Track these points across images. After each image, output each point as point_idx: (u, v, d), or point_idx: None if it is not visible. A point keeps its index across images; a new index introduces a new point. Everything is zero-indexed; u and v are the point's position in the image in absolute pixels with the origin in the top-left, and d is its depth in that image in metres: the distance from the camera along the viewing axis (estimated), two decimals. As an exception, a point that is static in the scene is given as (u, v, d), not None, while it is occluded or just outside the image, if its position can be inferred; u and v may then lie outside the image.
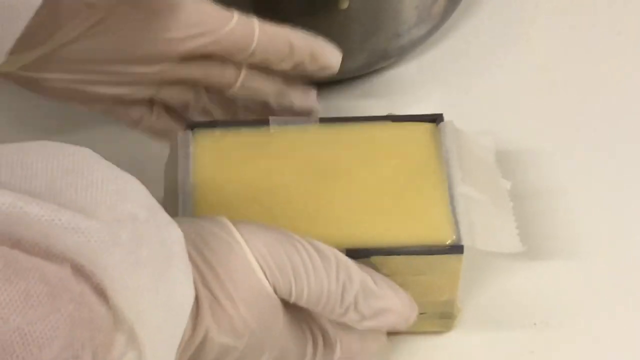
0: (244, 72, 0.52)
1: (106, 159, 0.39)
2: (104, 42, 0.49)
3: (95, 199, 0.32)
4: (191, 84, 0.53)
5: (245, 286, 0.39)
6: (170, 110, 0.57)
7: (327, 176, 0.51)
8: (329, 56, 0.53)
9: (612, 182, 0.60)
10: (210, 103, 0.56)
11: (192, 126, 0.53)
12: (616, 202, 0.58)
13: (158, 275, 0.32)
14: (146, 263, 0.32)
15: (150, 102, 0.55)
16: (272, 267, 0.39)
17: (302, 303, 0.41)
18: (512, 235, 0.51)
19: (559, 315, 0.53)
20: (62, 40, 0.46)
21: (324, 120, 0.54)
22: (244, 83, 0.53)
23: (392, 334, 0.52)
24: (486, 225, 0.50)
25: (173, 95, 0.53)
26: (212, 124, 0.54)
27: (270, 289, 0.40)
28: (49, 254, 0.29)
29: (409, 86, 0.64)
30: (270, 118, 0.54)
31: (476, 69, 0.64)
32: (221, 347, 0.38)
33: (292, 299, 0.40)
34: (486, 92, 0.63)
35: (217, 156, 0.53)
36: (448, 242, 0.47)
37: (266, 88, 0.54)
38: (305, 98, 0.55)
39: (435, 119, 0.52)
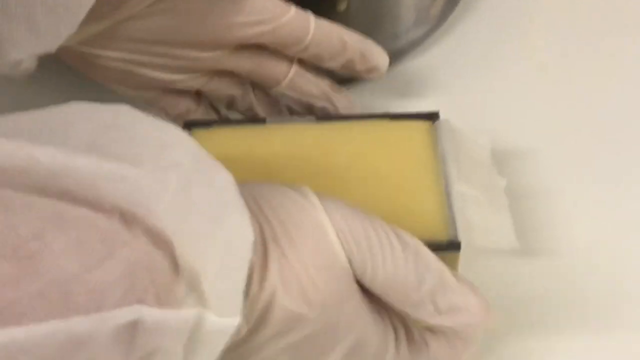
0: (294, 69, 0.52)
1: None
2: (165, 21, 0.48)
3: (139, 150, 0.32)
4: (241, 77, 0.53)
5: (319, 251, 0.37)
6: (214, 106, 0.57)
7: (324, 174, 0.51)
8: (377, 57, 0.53)
9: (609, 181, 0.59)
10: (256, 100, 0.56)
11: (190, 125, 0.53)
12: (613, 200, 0.58)
13: (213, 219, 0.31)
14: (199, 207, 0.31)
15: (198, 96, 0.54)
16: (348, 238, 0.37)
17: (377, 285, 0.38)
18: (508, 232, 0.50)
19: (556, 313, 0.52)
20: (125, 15, 0.45)
21: (320, 119, 0.54)
22: (293, 80, 0.53)
23: None
24: (482, 223, 0.49)
25: (221, 88, 0.53)
26: (208, 123, 0.54)
27: (345, 260, 0.38)
28: (97, 204, 0.28)
29: (406, 87, 0.64)
30: (268, 118, 0.54)
31: (473, 69, 0.64)
32: (289, 313, 0.35)
33: (367, 279, 0.38)
34: (483, 92, 0.62)
35: (214, 154, 0.51)
36: (445, 239, 0.46)
37: (313, 89, 0.54)
38: (348, 103, 0.55)
39: (431, 116, 0.52)
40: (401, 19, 0.61)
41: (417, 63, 0.65)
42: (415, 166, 0.51)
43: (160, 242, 0.29)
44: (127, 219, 0.29)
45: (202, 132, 0.53)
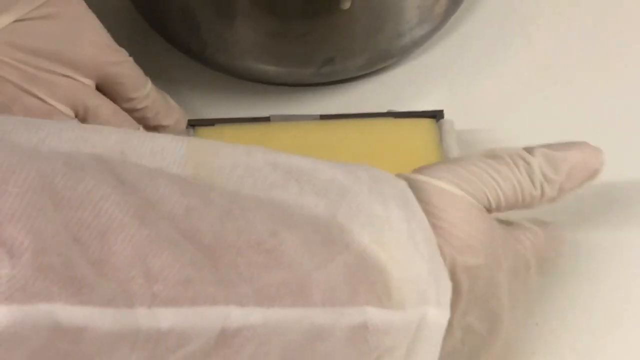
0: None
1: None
2: (50, 28, 0.47)
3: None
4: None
5: (450, 205, 0.39)
6: None
7: None
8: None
9: (602, 176, 0.59)
10: None
11: (194, 123, 0.55)
12: (604, 195, 0.59)
13: (405, 218, 0.33)
14: (390, 199, 0.33)
15: None
16: (460, 184, 0.39)
17: (503, 207, 0.41)
18: None
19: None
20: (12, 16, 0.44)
21: (324, 117, 0.55)
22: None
23: None
24: None
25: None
26: (211, 121, 0.56)
27: (473, 201, 0.40)
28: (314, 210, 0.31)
29: (410, 85, 0.64)
30: (271, 115, 0.56)
31: (477, 68, 0.65)
32: (469, 271, 0.37)
33: (493, 207, 0.40)
34: (486, 91, 0.63)
35: None
36: None
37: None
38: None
39: (435, 115, 0.54)
40: (405, 17, 0.60)
41: (421, 61, 0.65)
42: (419, 162, 0.50)
43: (371, 247, 0.31)
44: (341, 224, 0.31)
45: (206, 130, 0.55)
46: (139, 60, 0.61)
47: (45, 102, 0.47)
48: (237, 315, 0.27)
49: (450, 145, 0.53)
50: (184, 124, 0.55)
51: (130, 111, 0.52)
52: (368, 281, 0.30)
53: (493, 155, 0.43)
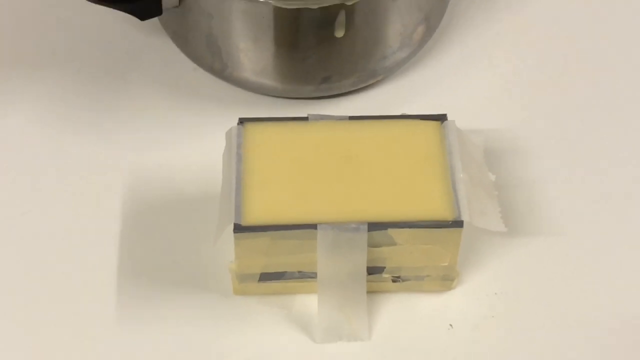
0: None
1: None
2: None
3: None
4: None
5: None
6: None
7: (353, 162, 0.55)
8: None
9: (582, 177, 0.64)
10: None
11: (242, 121, 0.57)
12: (583, 192, 0.62)
13: None
14: None
15: None
16: None
17: None
18: (497, 218, 0.55)
19: (524, 285, 0.58)
20: None
21: (352, 118, 0.57)
22: None
23: (401, 289, 0.57)
24: (479, 207, 0.54)
25: None
26: (259, 119, 0.57)
27: None
28: None
29: (392, 100, 0.68)
30: (309, 115, 0.57)
31: (448, 84, 0.69)
32: None
33: None
34: (456, 102, 0.67)
35: (263, 145, 0.57)
36: (451, 218, 0.51)
37: None
38: None
39: (440, 118, 0.56)
40: (388, 43, 0.65)
41: (401, 80, 0.69)
42: (426, 157, 0.55)
43: None
44: None
45: (253, 126, 0.57)
46: (173, 78, 0.69)
47: None
48: None
49: (452, 142, 0.55)
50: None
51: None
52: None
53: None
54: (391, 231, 0.51)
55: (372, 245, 0.52)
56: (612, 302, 0.56)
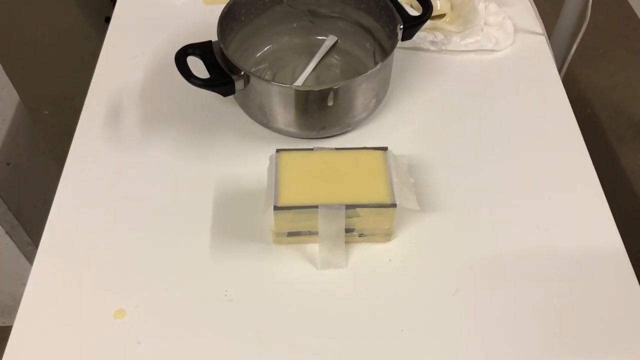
0: None
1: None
2: None
3: None
4: None
5: None
6: None
7: (337, 173, 0.72)
8: None
9: (461, 179, 0.81)
10: None
11: (278, 150, 0.72)
12: (461, 187, 0.80)
13: None
14: None
15: None
16: None
17: None
18: (414, 202, 0.74)
19: (428, 238, 0.74)
20: None
21: (337, 149, 0.74)
22: None
23: (363, 241, 0.73)
24: (405, 196, 0.73)
25: None
26: (287, 149, 0.73)
27: None
28: None
29: (359, 139, 0.88)
30: (314, 147, 0.73)
31: (388, 131, 0.89)
32: None
33: None
34: (391, 140, 0.86)
35: (289, 163, 0.74)
36: (390, 202, 0.70)
37: None
38: None
39: (384, 149, 0.74)
40: (357, 109, 0.85)
41: (364, 128, 0.90)
42: (376, 170, 0.73)
43: None
44: None
45: (284, 153, 0.74)
46: (240, 129, 0.88)
47: None
48: None
49: (390, 163, 0.70)
50: None
51: None
52: None
53: None
54: (358, 210, 0.70)
55: (347, 217, 0.71)
56: (476, 247, 0.75)
